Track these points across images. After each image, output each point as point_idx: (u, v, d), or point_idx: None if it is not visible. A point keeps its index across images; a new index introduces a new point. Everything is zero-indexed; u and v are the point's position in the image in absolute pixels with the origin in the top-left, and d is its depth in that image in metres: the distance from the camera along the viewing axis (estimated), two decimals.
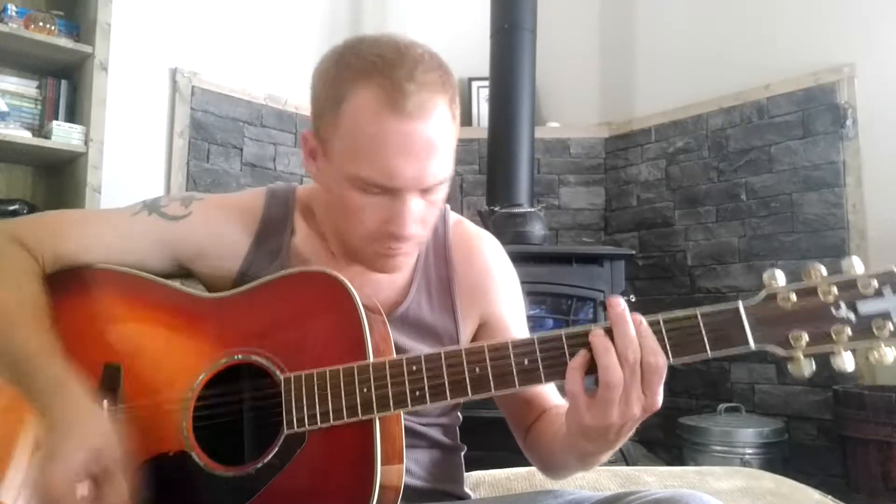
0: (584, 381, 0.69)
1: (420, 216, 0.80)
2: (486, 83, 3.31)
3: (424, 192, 0.79)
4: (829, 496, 1.12)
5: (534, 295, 2.82)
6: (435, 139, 0.77)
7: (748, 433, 2.54)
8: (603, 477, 1.21)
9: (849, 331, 0.65)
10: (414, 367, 0.73)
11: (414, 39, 0.81)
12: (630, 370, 0.66)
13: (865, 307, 0.65)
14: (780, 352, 0.67)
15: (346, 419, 0.73)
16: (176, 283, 0.87)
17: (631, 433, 0.72)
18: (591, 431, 0.70)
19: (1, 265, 0.82)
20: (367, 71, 0.76)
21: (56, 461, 0.67)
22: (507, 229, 2.80)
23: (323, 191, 0.87)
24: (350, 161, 0.77)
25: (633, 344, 0.67)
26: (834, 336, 0.65)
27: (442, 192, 0.82)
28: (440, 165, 0.78)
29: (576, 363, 0.69)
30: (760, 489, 1.15)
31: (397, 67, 0.75)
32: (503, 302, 0.96)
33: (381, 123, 0.75)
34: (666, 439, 3.11)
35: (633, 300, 2.82)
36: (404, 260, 0.85)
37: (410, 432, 0.84)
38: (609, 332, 0.68)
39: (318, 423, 0.73)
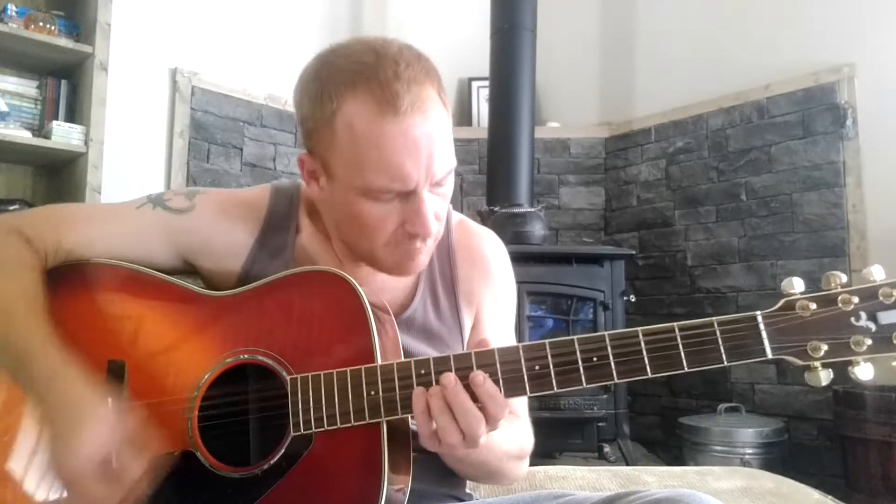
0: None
1: (435, 211, 0.80)
2: (486, 83, 3.31)
3: (434, 185, 0.79)
4: (829, 496, 1.13)
5: (534, 295, 2.83)
6: (434, 131, 0.77)
7: (748, 433, 2.54)
8: (603, 477, 1.21)
9: (868, 341, 0.63)
10: (423, 371, 0.72)
11: (384, 36, 0.81)
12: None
13: (886, 317, 0.63)
14: (797, 362, 0.66)
15: (353, 422, 0.73)
16: (180, 280, 0.86)
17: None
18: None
19: (0, 258, 0.81)
20: (351, 80, 0.76)
21: (72, 444, 0.67)
22: (507, 229, 2.80)
23: (327, 208, 0.87)
24: (357, 173, 0.77)
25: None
26: (853, 346, 0.64)
27: (450, 184, 0.82)
28: (445, 156, 0.79)
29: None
30: (760, 489, 1.15)
31: (380, 69, 0.75)
32: (490, 301, 0.96)
33: (380, 127, 0.74)
34: (666, 439, 3.12)
35: (633, 300, 2.83)
36: (425, 258, 0.85)
37: (416, 434, 0.84)
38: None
39: (325, 426, 0.73)
